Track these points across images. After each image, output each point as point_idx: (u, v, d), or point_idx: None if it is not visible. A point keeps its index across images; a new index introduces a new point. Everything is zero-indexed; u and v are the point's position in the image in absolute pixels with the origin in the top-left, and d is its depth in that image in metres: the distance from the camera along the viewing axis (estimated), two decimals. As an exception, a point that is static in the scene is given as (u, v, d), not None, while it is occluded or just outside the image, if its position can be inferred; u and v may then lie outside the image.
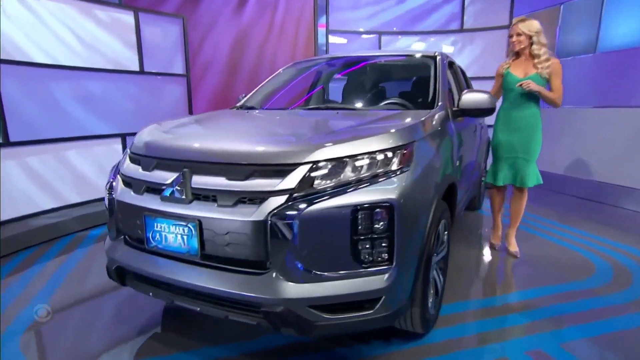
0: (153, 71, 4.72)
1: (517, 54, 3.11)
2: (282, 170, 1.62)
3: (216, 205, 1.66)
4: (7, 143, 3.57)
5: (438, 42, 5.96)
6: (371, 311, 1.65)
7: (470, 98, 2.49)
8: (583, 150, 5.56)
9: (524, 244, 3.55)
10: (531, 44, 3.00)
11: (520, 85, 2.93)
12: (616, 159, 5.13)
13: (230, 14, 5.81)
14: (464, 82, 3.82)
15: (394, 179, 1.66)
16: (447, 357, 2.06)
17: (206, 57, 5.66)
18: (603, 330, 2.31)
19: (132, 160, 2.04)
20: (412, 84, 3.13)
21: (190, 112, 5.14)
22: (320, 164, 1.62)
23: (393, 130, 1.80)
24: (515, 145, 3.11)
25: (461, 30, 5.88)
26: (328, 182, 1.61)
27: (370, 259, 1.62)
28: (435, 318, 2.28)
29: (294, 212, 1.53)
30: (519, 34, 3.02)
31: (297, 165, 1.61)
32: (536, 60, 2.99)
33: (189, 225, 1.68)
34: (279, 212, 1.55)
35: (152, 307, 2.52)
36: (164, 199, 1.76)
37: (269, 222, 1.54)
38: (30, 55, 3.71)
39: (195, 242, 1.69)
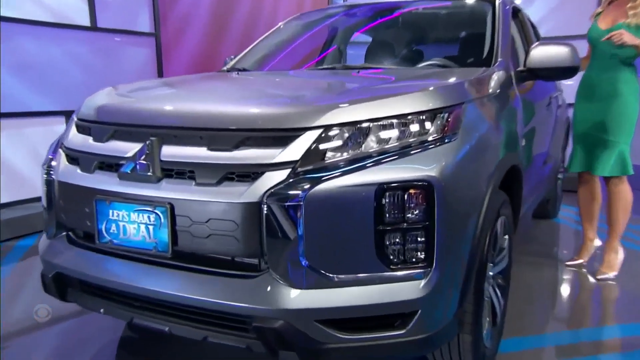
0: (109, 27, 4.01)
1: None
2: (282, 137, 1.42)
3: (194, 183, 1.45)
4: None
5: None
6: (403, 331, 1.41)
7: (542, 53, 2.11)
8: None
9: (627, 266, 2.83)
10: None
11: (609, 38, 2.36)
12: None
13: None
14: (534, 38, 3.22)
15: (435, 151, 1.45)
16: None
17: (183, 12, 4.85)
18: None
19: (80, 130, 1.79)
20: (462, 39, 2.74)
21: None
22: (334, 130, 1.42)
23: (433, 88, 1.64)
24: (596, 120, 2.59)
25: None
26: (344, 153, 1.41)
27: (402, 258, 1.41)
28: (493, 355, 1.96)
29: (298, 192, 1.31)
30: None
31: (302, 130, 1.40)
32: (629, 5, 2.40)
33: (156, 211, 1.46)
34: (277, 192, 1.33)
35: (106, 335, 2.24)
36: (123, 177, 1.54)
37: (265, 204, 1.32)
38: None
39: (164, 234, 1.46)
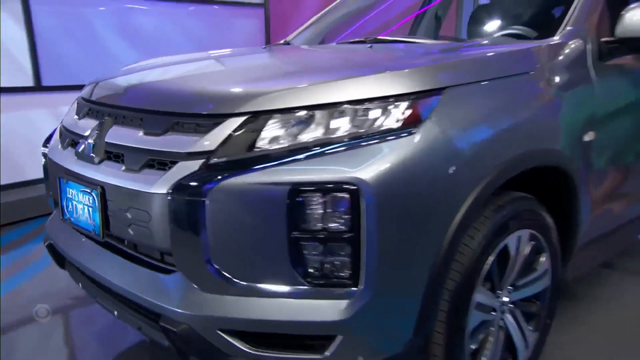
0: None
1: None
2: (204, 124, 1.28)
3: (123, 167, 1.38)
4: (38, 87, 3.36)
5: None
6: (320, 356, 1.25)
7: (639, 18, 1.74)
8: None
9: None
10: None
11: None
12: None
13: None
14: None
15: (375, 148, 1.22)
16: None
17: None
18: None
19: (77, 105, 1.85)
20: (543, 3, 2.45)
21: None
22: (259, 119, 1.25)
23: (409, 72, 1.40)
24: None
25: None
26: (266, 146, 1.23)
27: (322, 272, 1.22)
28: None
29: (202, 186, 1.18)
30: None
31: (223, 117, 1.25)
32: None
33: (92, 193, 1.44)
34: (182, 185, 1.20)
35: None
36: (78, 156, 1.54)
37: (169, 198, 1.21)
38: None
39: (97, 217, 1.44)
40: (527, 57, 1.69)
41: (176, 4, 3.90)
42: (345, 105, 1.27)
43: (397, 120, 1.26)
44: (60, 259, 1.73)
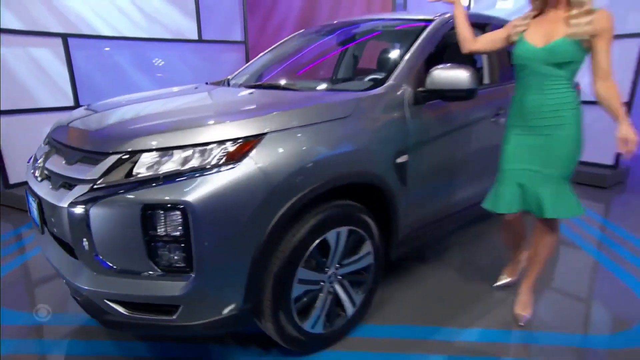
0: (211, 39, 4.61)
1: (544, 5, 1.83)
2: (94, 159, 1.53)
3: (50, 186, 1.64)
4: (77, 107, 3.77)
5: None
6: (173, 317, 1.50)
7: (440, 75, 1.92)
8: None
9: (567, 265, 2.73)
10: None
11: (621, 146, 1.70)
12: None
13: None
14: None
15: (204, 178, 1.43)
16: None
17: (266, 22, 5.31)
18: None
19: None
20: (389, 54, 2.42)
21: None
22: (137, 154, 1.48)
23: (240, 122, 1.57)
24: (531, 152, 1.92)
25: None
26: (141, 175, 1.45)
27: (167, 262, 1.46)
28: (332, 337, 1.94)
29: (87, 204, 1.44)
30: None
31: (107, 154, 1.49)
32: (574, 12, 1.72)
33: (35, 202, 1.71)
34: (74, 202, 1.47)
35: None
36: (32, 174, 1.80)
37: (67, 209, 1.47)
38: (96, 28, 3.90)
39: (37, 217, 1.73)
40: (342, 106, 1.82)
41: (180, 43, 4.36)
42: (189, 147, 1.48)
43: (221, 158, 1.47)
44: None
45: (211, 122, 1.56)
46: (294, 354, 1.86)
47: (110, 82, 4.05)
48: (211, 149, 1.48)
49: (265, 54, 3.03)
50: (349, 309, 1.93)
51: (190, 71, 4.56)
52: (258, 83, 2.59)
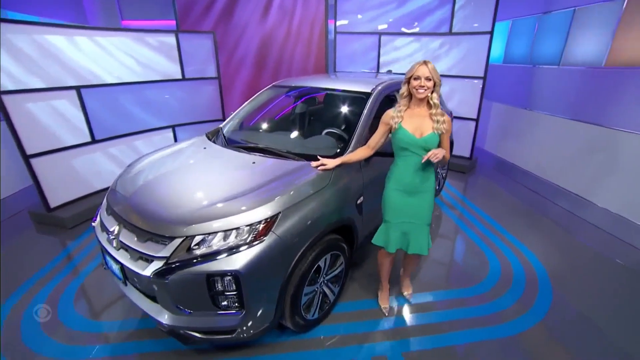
0: (192, 77, 4.95)
1: (410, 101, 2.10)
2: (162, 240, 1.72)
3: (129, 256, 1.81)
4: (93, 141, 4.16)
5: (428, 43, 5.59)
6: (232, 335, 1.83)
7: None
8: (539, 150, 5.22)
9: (444, 240, 3.29)
10: (432, 91, 2.03)
11: (429, 157, 1.97)
12: (561, 163, 4.82)
13: (257, 21, 5.78)
14: None
15: (248, 251, 1.68)
16: (313, 353, 2.11)
17: (238, 59, 5.72)
18: (445, 343, 2.16)
19: (107, 202, 2.17)
20: (343, 120, 2.74)
21: (222, 106, 5.40)
22: (193, 237, 1.69)
23: (264, 207, 1.76)
24: (410, 211, 2.18)
25: (450, 33, 5.41)
26: (198, 251, 1.67)
27: (226, 305, 1.74)
28: (324, 317, 2.31)
29: (167, 275, 1.66)
30: (428, 78, 1.99)
31: (173, 238, 1.70)
32: (433, 111, 2.03)
33: (117, 265, 1.89)
34: (157, 274, 1.68)
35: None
36: (109, 241, 1.93)
37: (151, 278, 1.69)
38: (103, 78, 4.22)
39: (122, 275, 1.93)
40: (324, 176, 2.05)
41: (168, 82, 4.63)
42: (232, 229, 1.68)
43: (256, 234, 1.71)
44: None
45: (241, 209, 1.75)
46: (300, 333, 2.23)
47: (118, 118, 4.37)
48: (245, 230, 1.71)
49: (245, 106, 3.17)
50: (331, 297, 2.32)
51: (177, 103, 4.88)
52: (251, 145, 2.56)
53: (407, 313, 2.50)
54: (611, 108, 4.04)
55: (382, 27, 5.68)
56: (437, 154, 1.95)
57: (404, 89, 2.11)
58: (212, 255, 1.66)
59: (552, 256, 3.23)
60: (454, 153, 5.08)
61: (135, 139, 4.60)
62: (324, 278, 2.16)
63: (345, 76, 3.39)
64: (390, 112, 2.14)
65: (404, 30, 5.65)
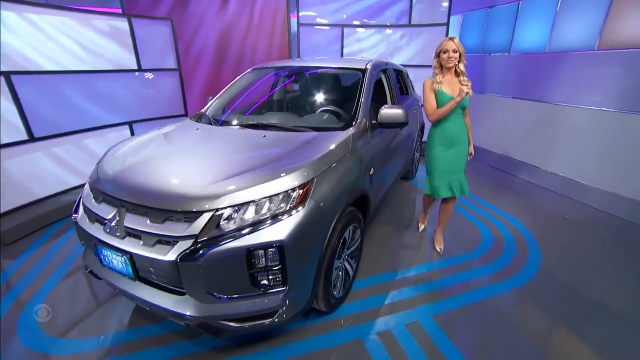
0: (149, 68, 4.39)
1: (442, 69, 2.43)
2: (189, 217, 1.48)
3: (141, 243, 1.53)
4: (32, 139, 3.41)
5: (389, 35, 5.58)
6: (270, 320, 1.60)
7: (386, 113, 2.22)
8: (497, 130, 5.49)
9: (436, 216, 3.34)
10: (458, 61, 2.40)
11: (465, 95, 2.33)
12: (518, 140, 5.08)
13: (216, 11, 5.32)
14: (403, 84, 3.53)
15: (289, 219, 1.50)
16: (346, 331, 2.01)
17: (196, 51, 5.27)
18: (466, 302, 2.25)
19: (91, 190, 1.86)
20: (343, 94, 2.70)
21: (184, 100, 4.89)
22: (224, 209, 1.47)
23: (296, 172, 1.61)
24: (454, 160, 2.52)
25: (409, 25, 5.46)
26: (231, 223, 1.46)
27: (267, 284, 1.54)
28: (345, 296, 2.20)
29: (198, 255, 1.43)
30: (454, 50, 2.34)
31: (201, 212, 1.46)
32: (462, 78, 2.40)
33: (124, 257, 1.59)
34: (186, 255, 1.44)
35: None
36: (106, 232, 1.63)
37: (178, 262, 1.44)
38: (40, 64, 3.44)
39: (130, 270, 1.61)
40: (345, 145, 1.98)
41: (122, 73, 4.05)
42: (267, 198, 1.50)
43: (297, 201, 1.54)
44: (97, 276, 1.81)
45: (273, 177, 1.56)
46: (326, 314, 2.10)
47: (62, 113, 3.64)
48: (281, 198, 1.52)
49: (228, 89, 2.94)
50: (351, 274, 2.20)
51: (134, 97, 4.30)
52: (251, 123, 2.40)
53: (427, 278, 2.54)
54: (551, 86, 4.44)
55: (344, 18, 5.56)
56: (463, 90, 2.33)
57: (435, 62, 2.46)
58: (250, 227, 1.46)
59: (530, 220, 3.51)
60: (423, 139, 5.05)
61: (85, 137, 3.88)
62: (345, 252, 2.05)
63: (328, 58, 3.26)
64: (429, 82, 2.46)
65: (365, 22, 5.55)
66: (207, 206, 1.47)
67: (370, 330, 2.04)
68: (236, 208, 1.49)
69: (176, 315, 1.55)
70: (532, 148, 4.79)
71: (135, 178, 1.70)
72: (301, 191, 1.58)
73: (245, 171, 1.65)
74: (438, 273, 2.58)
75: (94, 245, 1.68)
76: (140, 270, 1.60)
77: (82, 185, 3.81)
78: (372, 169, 2.28)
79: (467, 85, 2.37)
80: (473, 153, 2.62)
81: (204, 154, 1.93)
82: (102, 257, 1.70)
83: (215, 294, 1.51)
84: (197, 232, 1.45)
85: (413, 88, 4.24)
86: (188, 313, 1.51)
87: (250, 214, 1.49)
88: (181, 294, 1.55)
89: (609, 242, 3.09)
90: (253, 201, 1.50)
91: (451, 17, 5.34)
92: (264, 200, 1.52)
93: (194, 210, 1.47)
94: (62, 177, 3.75)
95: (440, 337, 1.98)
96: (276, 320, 1.60)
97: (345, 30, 5.65)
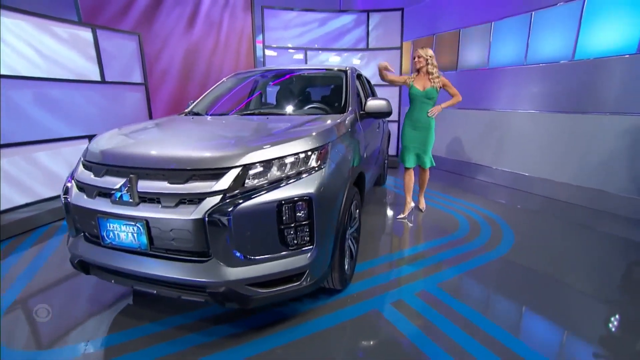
0: (114, 81, 4.15)
1: (418, 71, 3.23)
2: (216, 174, 1.46)
3: (160, 206, 1.47)
4: None
5: (349, 57, 5.96)
6: (298, 283, 1.56)
7: (373, 104, 2.42)
8: (455, 139, 5.95)
9: (419, 212, 3.69)
10: (427, 64, 3.16)
11: (431, 113, 3.18)
12: (471, 145, 5.56)
13: (182, 31, 5.28)
14: (369, 90, 3.82)
15: (313, 175, 1.56)
16: (360, 304, 2.03)
17: (163, 67, 5.12)
18: (466, 269, 2.48)
19: (85, 167, 1.78)
20: (330, 91, 2.94)
21: (150, 115, 4.66)
22: (251, 166, 1.48)
23: (313, 134, 1.68)
24: (418, 139, 3.27)
25: (367, 49, 5.90)
26: (257, 181, 1.47)
27: (295, 242, 1.53)
28: (351, 276, 2.22)
29: (227, 210, 1.39)
30: (419, 56, 3.19)
31: (229, 168, 1.46)
32: (431, 76, 3.16)
33: (137, 224, 1.50)
34: (214, 211, 1.40)
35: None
36: (114, 202, 1.55)
37: (206, 219, 1.40)
38: None
39: (144, 239, 1.51)
40: (349, 122, 2.13)
41: (83, 84, 3.78)
42: (291, 155, 1.54)
43: (319, 160, 1.62)
44: (86, 269, 1.71)
45: (293, 138, 1.60)
46: (336, 293, 2.10)
47: (10, 121, 3.23)
48: (305, 157, 1.57)
49: (212, 91, 2.98)
50: (354, 253, 2.23)
51: (96, 109, 3.99)
52: (248, 112, 2.60)
53: (422, 257, 2.71)
54: (496, 96, 5.05)
55: (306, 42, 5.83)
56: (433, 112, 3.22)
57: (412, 64, 3.63)
58: (277, 183, 1.48)
59: (496, 207, 3.96)
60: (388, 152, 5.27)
61: (37, 149, 3.49)
62: (349, 230, 2.09)
63: (313, 64, 3.58)
64: (406, 76, 3.31)
65: (327, 47, 5.87)
66: (234, 162, 1.46)
67: (384, 302, 2.10)
68: (263, 164, 1.50)
69: (196, 287, 1.46)
70: (484, 151, 5.26)
71: (149, 147, 1.68)
72: (320, 152, 1.65)
73: (264, 136, 1.72)
74: (431, 252, 2.78)
75: (97, 219, 1.57)
76: (156, 238, 1.49)
77: (31, 204, 3.43)
78: (365, 153, 2.47)
79: (435, 80, 3.16)
80: (443, 107, 3.23)
81: (213, 130, 1.99)
82: (105, 233, 1.57)
83: (243, 253, 1.45)
84: (225, 187, 1.43)
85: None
86: (213, 279, 1.42)
87: (276, 171, 1.51)
88: (201, 262, 1.46)
89: (557, 221, 3.59)
90: (278, 158, 1.53)
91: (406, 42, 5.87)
92: (289, 157, 1.55)
93: (223, 166, 1.46)
94: (9, 194, 3.26)
95: (449, 298, 2.14)
96: (303, 283, 1.57)
97: (309, 53, 5.92)
